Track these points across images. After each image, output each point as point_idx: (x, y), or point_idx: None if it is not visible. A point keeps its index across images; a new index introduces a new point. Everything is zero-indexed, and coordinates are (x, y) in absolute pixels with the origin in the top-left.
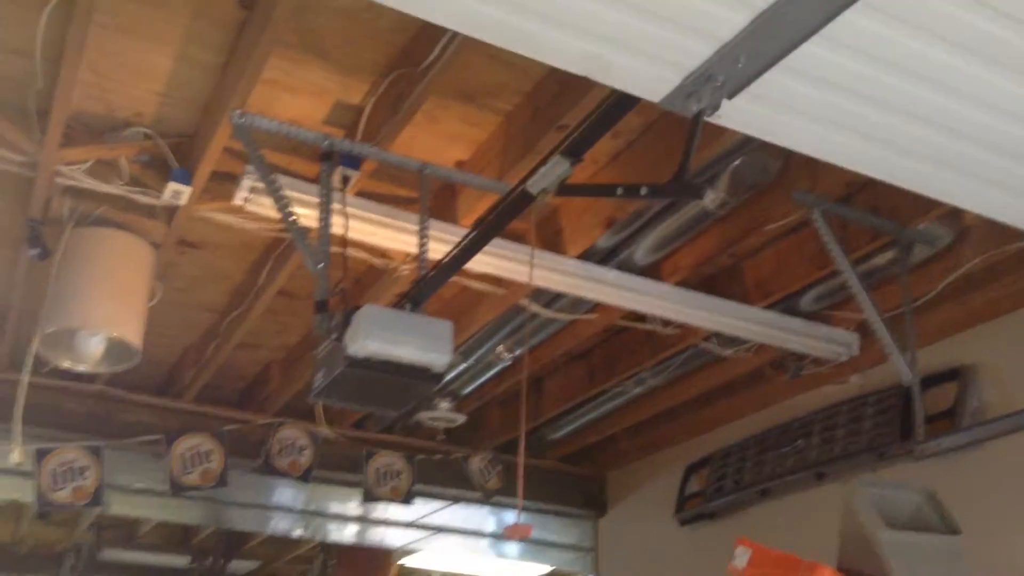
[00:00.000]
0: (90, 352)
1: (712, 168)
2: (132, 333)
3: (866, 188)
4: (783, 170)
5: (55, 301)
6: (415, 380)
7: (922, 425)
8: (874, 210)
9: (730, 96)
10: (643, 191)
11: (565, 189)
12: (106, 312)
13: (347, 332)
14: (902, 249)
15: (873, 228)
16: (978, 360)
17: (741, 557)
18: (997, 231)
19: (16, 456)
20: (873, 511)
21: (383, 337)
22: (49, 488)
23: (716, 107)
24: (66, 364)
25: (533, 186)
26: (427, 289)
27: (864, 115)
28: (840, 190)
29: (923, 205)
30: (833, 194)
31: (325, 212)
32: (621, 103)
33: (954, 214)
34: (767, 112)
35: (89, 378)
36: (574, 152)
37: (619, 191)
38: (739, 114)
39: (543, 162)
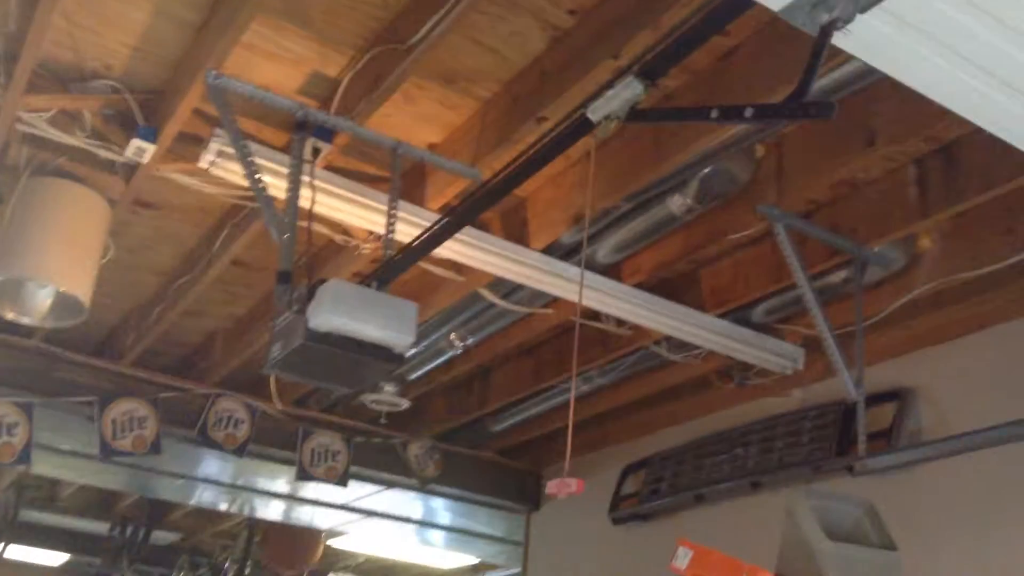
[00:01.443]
0: (37, 305)
1: (682, 174)
2: (81, 289)
3: (827, 206)
4: (750, 182)
5: (5, 250)
6: (375, 359)
7: (864, 442)
8: (833, 228)
9: (863, 9)
10: (748, 112)
11: (636, 115)
12: (57, 265)
13: (310, 305)
14: (857, 269)
15: (830, 246)
16: (918, 383)
17: (683, 557)
18: (948, 260)
19: None
20: (814, 521)
21: (347, 313)
22: None
23: (848, 20)
24: (10, 315)
25: (595, 111)
26: (397, 268)
27: (1008, 54)
28: (802, 206)
29: (880, 227)
30: (795, 209)
31: (294, 183)
32: (725, 11)
33: (909, 239)
34: (896, 35)
35: (26, 332)
36: (651, 73)
37: (714, 113)
38: (866, 34)
39: (609, 84)
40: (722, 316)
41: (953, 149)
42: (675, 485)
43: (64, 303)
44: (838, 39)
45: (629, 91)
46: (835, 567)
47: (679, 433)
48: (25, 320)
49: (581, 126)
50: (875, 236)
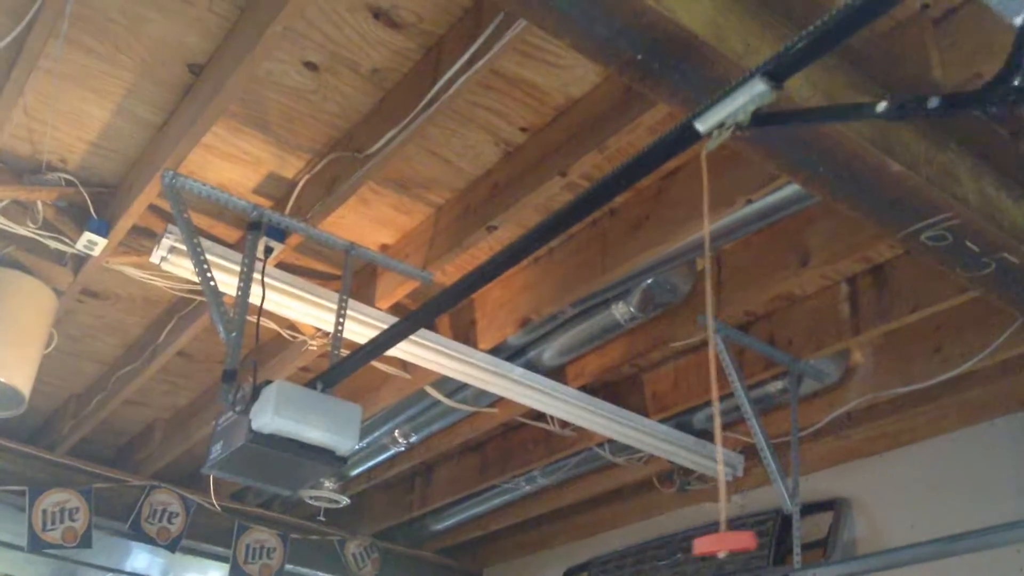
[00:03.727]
0: None
1: (626, 284)
2: (22, 380)
3: (764, 319)
4: (691, 293)
5: None
6: (317, 462)
7: (799, 553)
8: (770, 340)
9: None
10: (933, 103)
11: (763, 119)
12: None
13: (254, 406)
14: (793, 380)
15: (767, 357)
16: (852, 494)
17: None
18: (880, 375)
19: None
20: None
21: (291, 415)
22: None
23: None
24: None
25: (705, 120)
26: (343, 371)
27: None
28: (740, 318)
29: (814, 342)
30: (733, 321)
31: (245, 281)
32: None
33: (843, 353)
34: None
35: None
36: (779, 74)
37: (881, 107)
38: None
39: (728, 92)
40: (664, 421)
41: (884, 270)
42: None
43: (3, 394)
44: None
45: (750, 94)
46: None
47: (621, 536)
48: None
49: (685, 138)
50: (810, 350)
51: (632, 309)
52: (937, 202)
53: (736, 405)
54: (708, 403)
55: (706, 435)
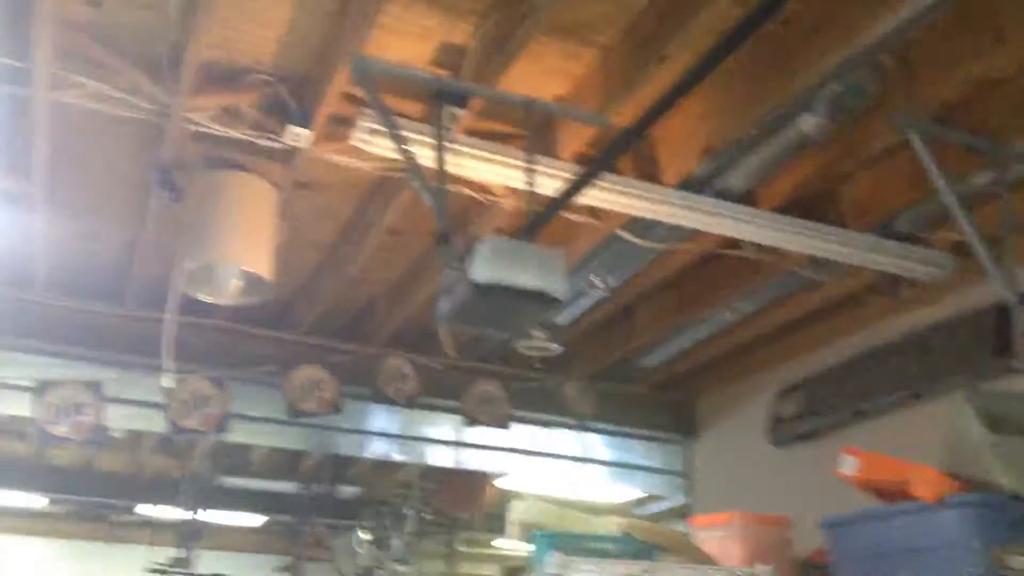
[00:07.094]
0: (228, 286)
1: (807, 95)
2: (264, 267)
3: (961, 108)
4: (880, 93)
5: (191, 240)
6: (535, 304)
7: (1021, 341)
8: (970, 130)
9: None
10: None
11: None
12: (240, 247)
13: (470, 261)
14: (999, 168)
15: (969, 148)
16: None
17: (849, 465)
18: None
19: (167, 382)
20: (976, 420)
21: (505, 265)
22: (179, 415)
23: None
24: (207, 298)
25: None
26: (543, 220)
27: None
28: (935, 109)
29: (1020, 124)
30: (928, 112)
31: (440, 151)
32: None
33: None
34: None
35: (207, 312)
36: None
37: None
38: None
39: None
40: (864, 231)
41: None
42: (833, 404)
43: (250, 281)
44: None
45: None
46: (1000, 457)
47: (831, 352)
48: (219, 301)
49: None
50: (1015, 133)
51: (820, 119)
52: None
53: (940, 205)
54: (910, 205)
55: (911, 239)
